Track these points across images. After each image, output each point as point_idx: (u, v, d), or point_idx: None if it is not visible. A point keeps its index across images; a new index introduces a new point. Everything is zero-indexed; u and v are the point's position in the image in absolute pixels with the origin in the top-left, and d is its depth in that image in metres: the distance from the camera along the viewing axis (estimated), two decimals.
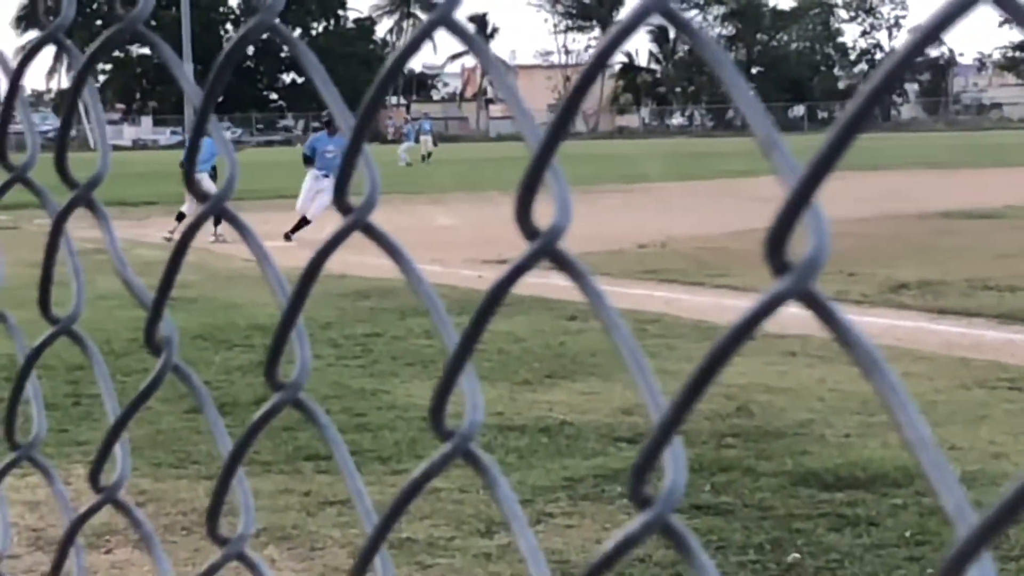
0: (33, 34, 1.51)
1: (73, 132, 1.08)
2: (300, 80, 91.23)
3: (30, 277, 1.29)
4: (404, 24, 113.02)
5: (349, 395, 8.29)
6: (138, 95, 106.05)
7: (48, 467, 1.28)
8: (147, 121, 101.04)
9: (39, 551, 5.53)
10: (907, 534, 5.45)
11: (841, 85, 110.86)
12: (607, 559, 0.56)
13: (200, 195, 0.86)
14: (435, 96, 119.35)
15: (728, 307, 11.07)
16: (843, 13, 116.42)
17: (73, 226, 1.12)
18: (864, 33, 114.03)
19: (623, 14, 0.58)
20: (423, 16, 0.71)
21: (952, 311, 11.39)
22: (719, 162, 42.31)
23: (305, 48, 0.75)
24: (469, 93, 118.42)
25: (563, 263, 0.61)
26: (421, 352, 9.72)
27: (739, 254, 14.97)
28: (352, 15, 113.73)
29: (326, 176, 18.95)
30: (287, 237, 18.45)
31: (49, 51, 1.09)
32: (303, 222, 19.30)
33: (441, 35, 0.69)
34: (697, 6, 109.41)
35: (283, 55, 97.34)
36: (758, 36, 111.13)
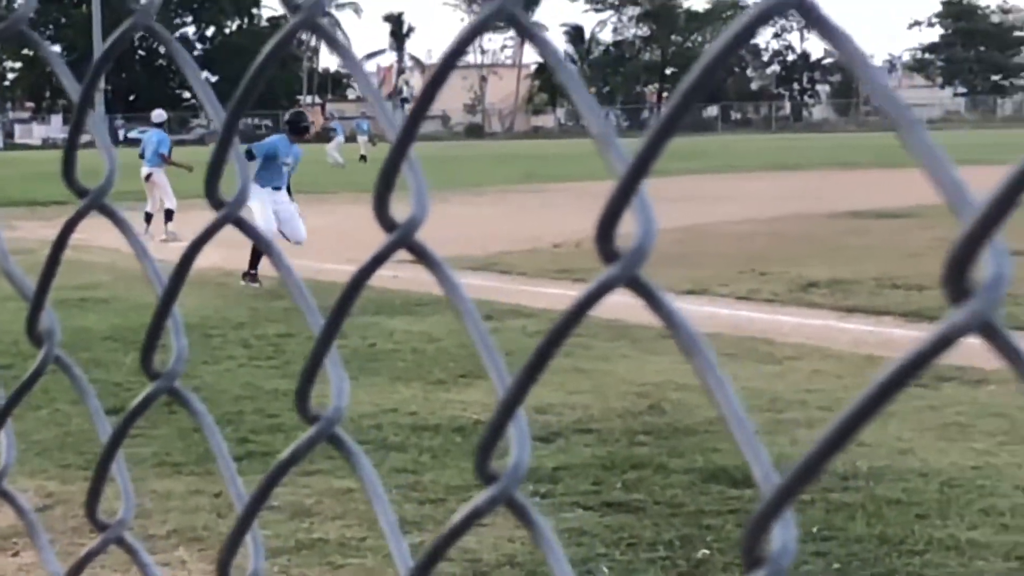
0: None
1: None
2: (214, 79, 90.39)
3: None
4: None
5: (262, 396, 8.25)
6: (48, 93, 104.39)
7: None
8: (57, 120, 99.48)
9: None
10: (814, 530, 5.54)
11: (754, 86, 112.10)
12: (454, 531, 0.59)
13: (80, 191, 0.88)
14: (350, 95, 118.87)
15: (640, 306, 11.14)
16: None
17: None
18: (776, 35, 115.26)
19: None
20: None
21: (861, 310, 11.57)
22: None
23: (179, 47, 0.77)
24: (385, 92, 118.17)
25: (420, 254, 0.64)
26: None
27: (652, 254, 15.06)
28: (266, 13, 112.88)
29: (277, 189, 14.72)
30: (250, 277, 14.33)
31: None
32: (258, 256, 14.02)
33: (356, 34, 0.70)
34: (612, 7, 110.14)
35: (196, 53, 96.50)
36: (672, 37, 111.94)
